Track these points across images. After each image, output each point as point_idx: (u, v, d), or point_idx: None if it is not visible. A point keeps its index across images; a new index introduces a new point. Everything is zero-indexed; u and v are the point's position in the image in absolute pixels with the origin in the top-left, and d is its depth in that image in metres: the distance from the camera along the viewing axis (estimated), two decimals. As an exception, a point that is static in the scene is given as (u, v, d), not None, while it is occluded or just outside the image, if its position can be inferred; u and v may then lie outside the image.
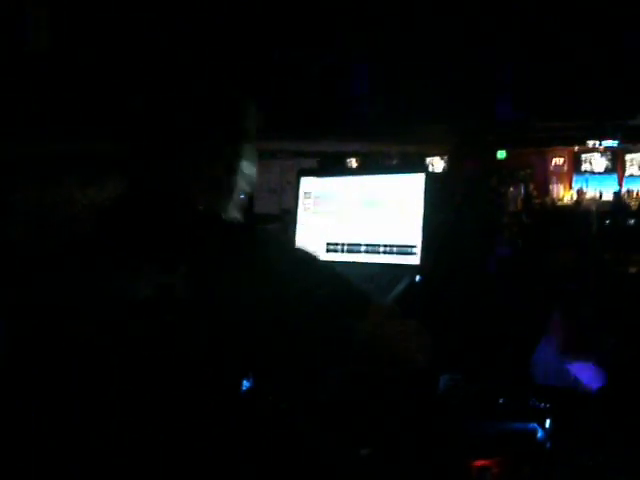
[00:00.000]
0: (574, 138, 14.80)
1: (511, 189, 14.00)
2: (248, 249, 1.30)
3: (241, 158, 1.47)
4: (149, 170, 1.37)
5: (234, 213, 1.49)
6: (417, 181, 2.05)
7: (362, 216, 2.13)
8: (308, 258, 1.41)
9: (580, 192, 15.59)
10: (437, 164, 15.91)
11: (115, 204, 1.38)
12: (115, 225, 1.34)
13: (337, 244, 2.16)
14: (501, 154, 16.18)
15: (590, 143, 14.65)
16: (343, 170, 2.10)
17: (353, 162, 12.29)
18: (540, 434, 1.70)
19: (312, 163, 9.70)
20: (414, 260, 1.99)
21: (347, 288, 1.42)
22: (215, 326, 1.23)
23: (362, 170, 2.37)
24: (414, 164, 2.12)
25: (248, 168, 1.50)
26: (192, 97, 1.41)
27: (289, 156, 11.99)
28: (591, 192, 15.83)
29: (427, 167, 2.17)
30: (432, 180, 2.06)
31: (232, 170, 1.45)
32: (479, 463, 1.60)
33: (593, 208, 13.26)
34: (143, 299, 1.23)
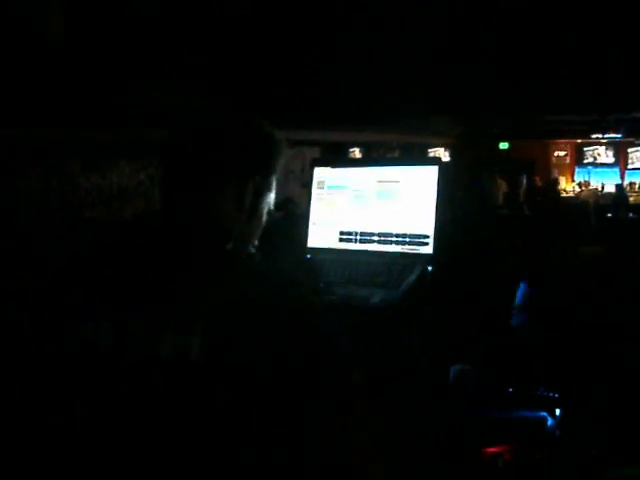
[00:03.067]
0: (577, 131, 14.80)
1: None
2: (266, 302, 1.28)
3: (269, 188, 1.51)
4: (183, 201, 1.39)
5: (257, 237, 1.52)
6: (431, 173, 2.08)
7: (375, 206, 2.15)
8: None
9: (582, 184, 15.61)
10: (440, 155, 15.94)
11: (143, 238, 1.37)
12: (139, 261, 1.34)
13: (350, 233, 2.19)
14: (503, 145, 16.22)
15: (593, 136, 14.64)
16: (357, 160, 2.12)
17: (357, 152, 12.30)
18: (550, 422, 1.74)
19: (315, 152, 9.71)
20: (427, 250, 2.02)
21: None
22: (229, 388, 1.22)
23: (376, 161, 2.39)
24: (428, 157, 2.14)
25: (270, 196, 1.53)
26: (230, 131, 1.45)
27: (291, 144, 11.99)
28: (593, 184, 15.87)
29: (441, 159, 2.19)
30: (446, 172, 2.09)
31: (260, 199, 1.48)
32: (491, 450, 1.63)
33: (591, 201, 13.26)
34: (162, 359, 1.23)
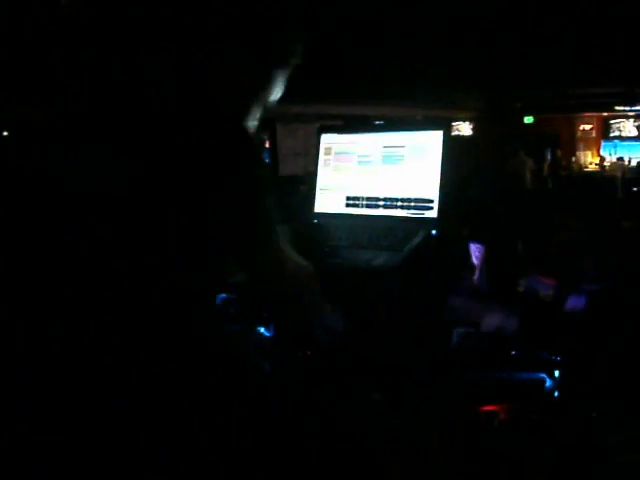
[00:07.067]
0: (603, 104, 14.62)
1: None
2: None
3: (273, 77, 1.55)
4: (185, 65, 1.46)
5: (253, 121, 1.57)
6: (436, 138, 2.08)
7: (381, 171, 2.17)
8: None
9: (602, 159, 15.44)
10: (464, 128, 15.84)
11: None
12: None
13: (357, 198, 2.20)
14: (528, 119, 16.08)
15: (620, 109, 14.46)
16: (363, 127, 2.13)
17: (378, 125, 12.26)
18: (548, 384, 1.75)
19: (337, 126, 9.68)
20: (431, 214, 2.04)
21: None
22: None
23: (381, 127, 2.40)
24: (433, 121, 2.16)
25: (274, 93, 1.58)
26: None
27: (313, 119, 11.99)
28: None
29: (447, 125, 2.20)
30: (450, 137, 2.09)
31: (261, 86, 1.54)
32: (487, 409, 1.65)
33: (619, 174, 13.10)
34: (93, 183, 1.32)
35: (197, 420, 1.37)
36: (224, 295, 2.02)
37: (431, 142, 2.08)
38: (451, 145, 2.07)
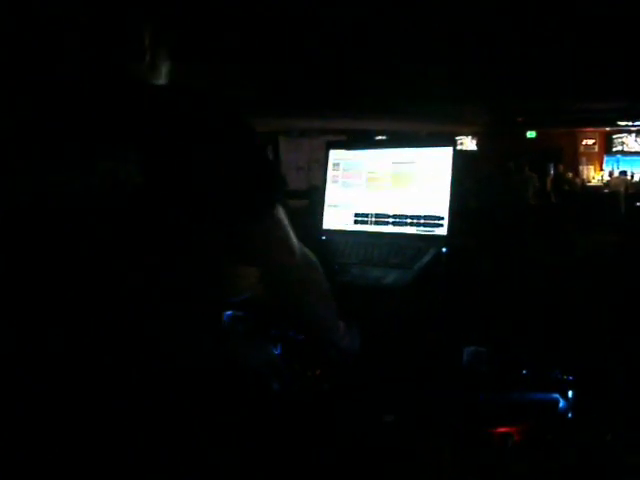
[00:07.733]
0: (606, 119, 14.62)
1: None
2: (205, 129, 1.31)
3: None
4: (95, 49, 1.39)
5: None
6: (445, 154, 2.06)
7: (390, 188, 2.15)
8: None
9: (610, 173, 15.42)
10: (467, 143, 15.85)
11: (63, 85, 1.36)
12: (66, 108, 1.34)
13: (365, 215, 2.18)
14: (531, 134, 16.10)
15: (622, 124, 14.47)
16: (371, 143, 2.13)
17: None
18: (562, 404, 1.72)
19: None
20: (441, 231, 2.02)
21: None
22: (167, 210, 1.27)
23: (391, 143, 2.38)
24: (442, 138, 2.14)
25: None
26: None
27: (317, 134, 12.02)
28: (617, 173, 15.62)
29: (455, 141, 2.18)
30: (460, 154, 2.07)
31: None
32: (501, 430, 1.62)
33: (622, 189, 13.08)
34: (94, 186, 1.25)
35: (197, 421, 1.35)
36: (231, 312, 2.00)
37: (440, 158, 2.07)
38: (460, 161, 2.06)
